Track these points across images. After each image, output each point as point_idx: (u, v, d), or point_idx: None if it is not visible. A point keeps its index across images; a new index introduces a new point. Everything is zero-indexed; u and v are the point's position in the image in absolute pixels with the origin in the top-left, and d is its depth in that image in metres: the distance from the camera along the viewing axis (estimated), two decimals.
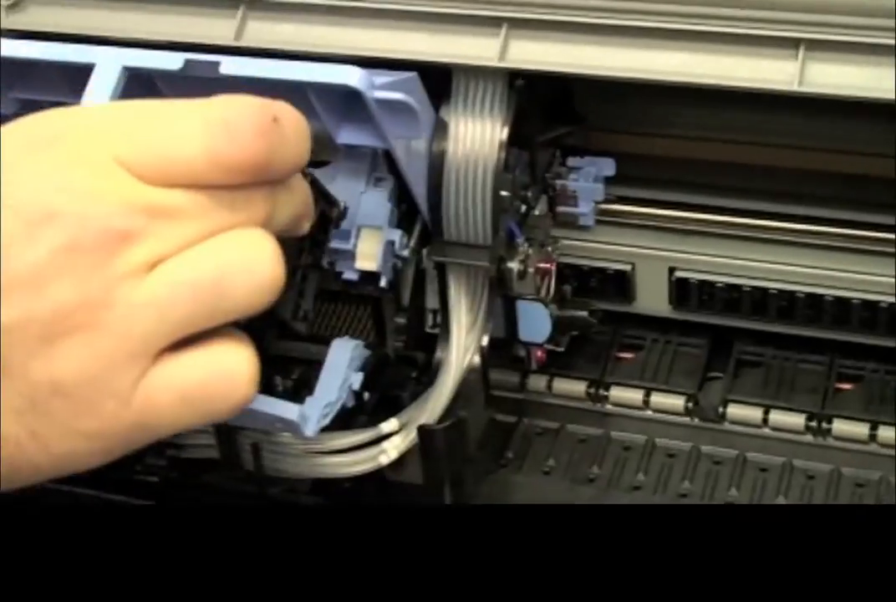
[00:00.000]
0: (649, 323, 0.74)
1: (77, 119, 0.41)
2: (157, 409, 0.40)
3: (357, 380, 0.60)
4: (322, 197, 0.53)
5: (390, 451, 0.61)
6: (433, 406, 0.62)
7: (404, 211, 0.62)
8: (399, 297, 0.66)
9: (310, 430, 0.58)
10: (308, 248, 0.54)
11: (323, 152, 0.62)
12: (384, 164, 0.61)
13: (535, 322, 0.66)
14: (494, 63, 0.57)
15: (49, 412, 0.39)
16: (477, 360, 0.63)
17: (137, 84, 0.55)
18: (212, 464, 0.64)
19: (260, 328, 0.45)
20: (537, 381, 0.74)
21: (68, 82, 0.56)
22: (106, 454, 0.41)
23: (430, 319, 0.67)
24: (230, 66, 0.53)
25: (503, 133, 0.59)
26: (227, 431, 0.63)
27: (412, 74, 0.56)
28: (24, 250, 0.38)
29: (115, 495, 0.70)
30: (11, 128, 0.41)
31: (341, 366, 0.60)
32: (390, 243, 0.61)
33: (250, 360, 0.41)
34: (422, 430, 0.61)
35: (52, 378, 0.39)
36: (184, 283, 0.39)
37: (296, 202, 0.44)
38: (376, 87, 0.53)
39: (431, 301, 0.66)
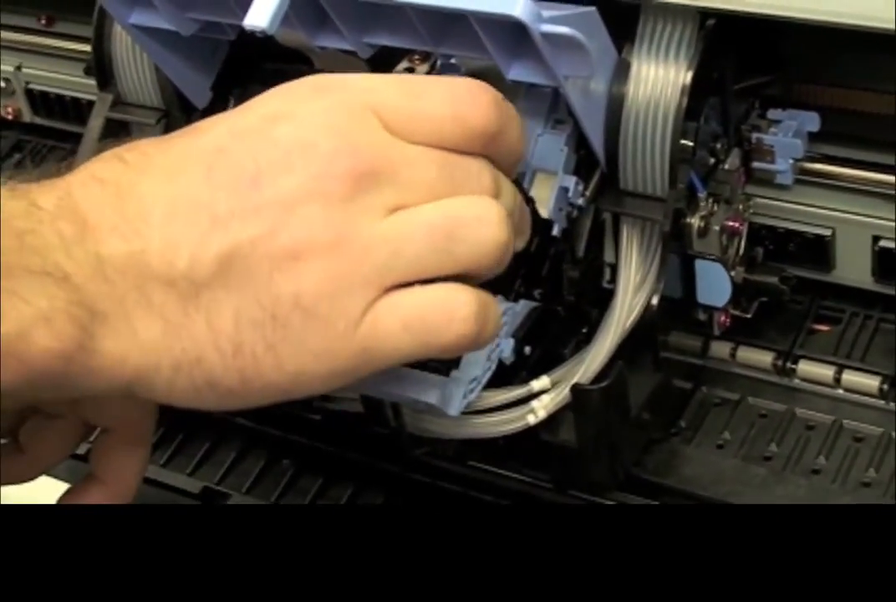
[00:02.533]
0: (851, 295, 0.68)
1: (344, 78, 0.47)
2: (381, 336, 0.44)
3: (508, 347, 0.57)
4: (540, 224, 0.56)
5: (539, 410, 0.58)
6: (588, 365, 0.58)
7: (583, 157, 0.59)
8: (574, 248, 0.62)
9: (454, 410, 0.55)
10: (522, 281, 0.57)
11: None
12: (566, 106, 0.57)
13: (715, 284, 0.61)
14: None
15: (287, 326, 0.43)
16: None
17: (303, 5, 0.54)
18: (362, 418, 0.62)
19: None
20: (720, 348, 0.69)
21: (239, 4, 0.55)
22: (331, 379, 0.44)
23: (607, 274, 0.64)
24: None
25: (687, 77, 0.55)
26: None
27: (590, 9, 0.53)
28: (280, 174, 0.43)
29: (277, 430, 0.70)
30: (293, 84, 0.47)
31: None
32: (564, 190, 0.58)
33: (475, 299, 0.44)
34: (575, 389, 0.57)
35: (294, 291, 0.42)
36: (420, 224, 0.44)
37: (514, 203, 0.48)
38: (544, 19, 0.49)
39: (609, 255, 0.63)
